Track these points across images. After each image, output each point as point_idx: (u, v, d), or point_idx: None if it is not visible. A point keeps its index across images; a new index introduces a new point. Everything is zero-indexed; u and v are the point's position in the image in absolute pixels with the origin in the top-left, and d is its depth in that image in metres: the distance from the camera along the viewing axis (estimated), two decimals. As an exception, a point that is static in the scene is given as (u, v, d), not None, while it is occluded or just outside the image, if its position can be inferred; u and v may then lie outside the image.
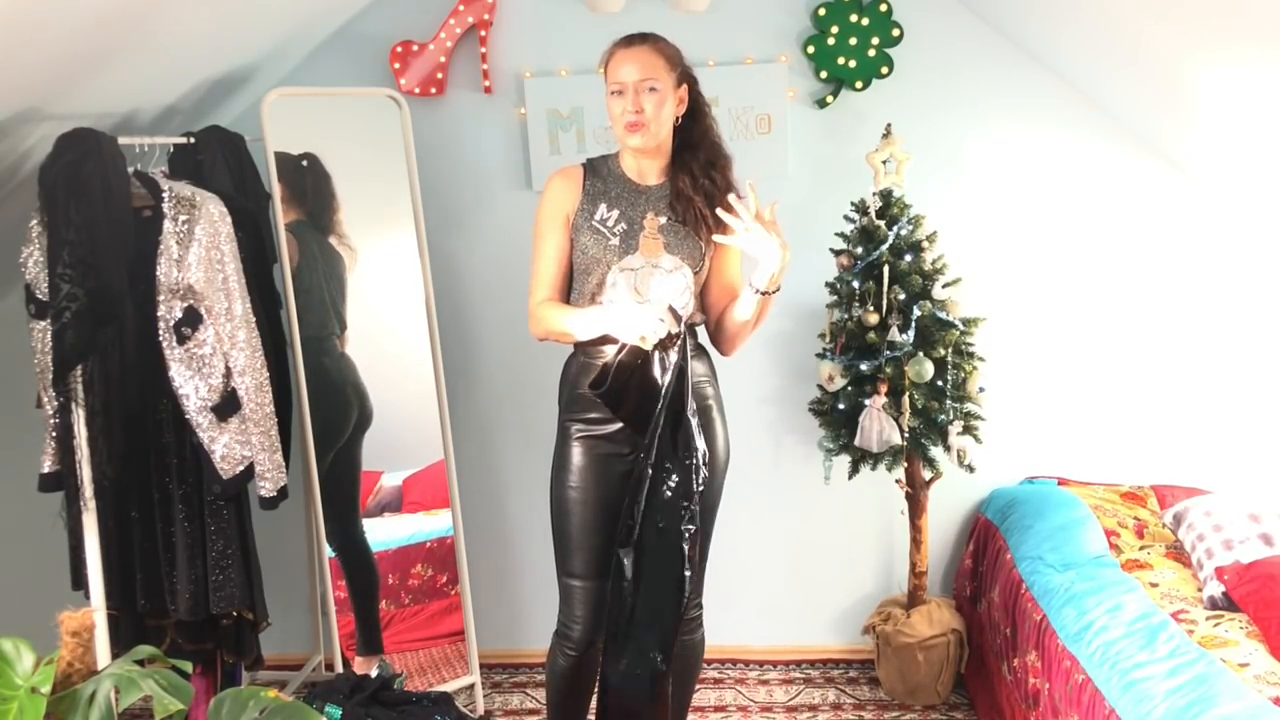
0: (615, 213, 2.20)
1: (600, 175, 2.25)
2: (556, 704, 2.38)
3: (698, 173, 2.19)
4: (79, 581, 2.48)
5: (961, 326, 2.79)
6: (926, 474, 2.95)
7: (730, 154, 2.26)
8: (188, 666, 1.58)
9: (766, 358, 3.21)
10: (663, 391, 2.02)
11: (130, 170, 2.42)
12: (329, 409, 2.88)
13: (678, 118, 2.19)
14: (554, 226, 2.23)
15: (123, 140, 2.44)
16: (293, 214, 2.82)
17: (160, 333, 2.42)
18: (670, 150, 2.23)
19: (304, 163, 2.82)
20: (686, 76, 2.20)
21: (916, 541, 3.02)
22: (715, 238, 2.14)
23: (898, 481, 2.99)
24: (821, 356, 2.92)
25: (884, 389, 2.77)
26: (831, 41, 3.00)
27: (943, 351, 2.76)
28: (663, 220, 2.19)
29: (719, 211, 2.08)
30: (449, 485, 3.03)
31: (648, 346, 2.01)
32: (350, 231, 2.91)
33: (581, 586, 2.23)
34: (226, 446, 2.45)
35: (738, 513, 2.90)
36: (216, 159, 2.68)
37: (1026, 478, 3.24)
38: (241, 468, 2.47)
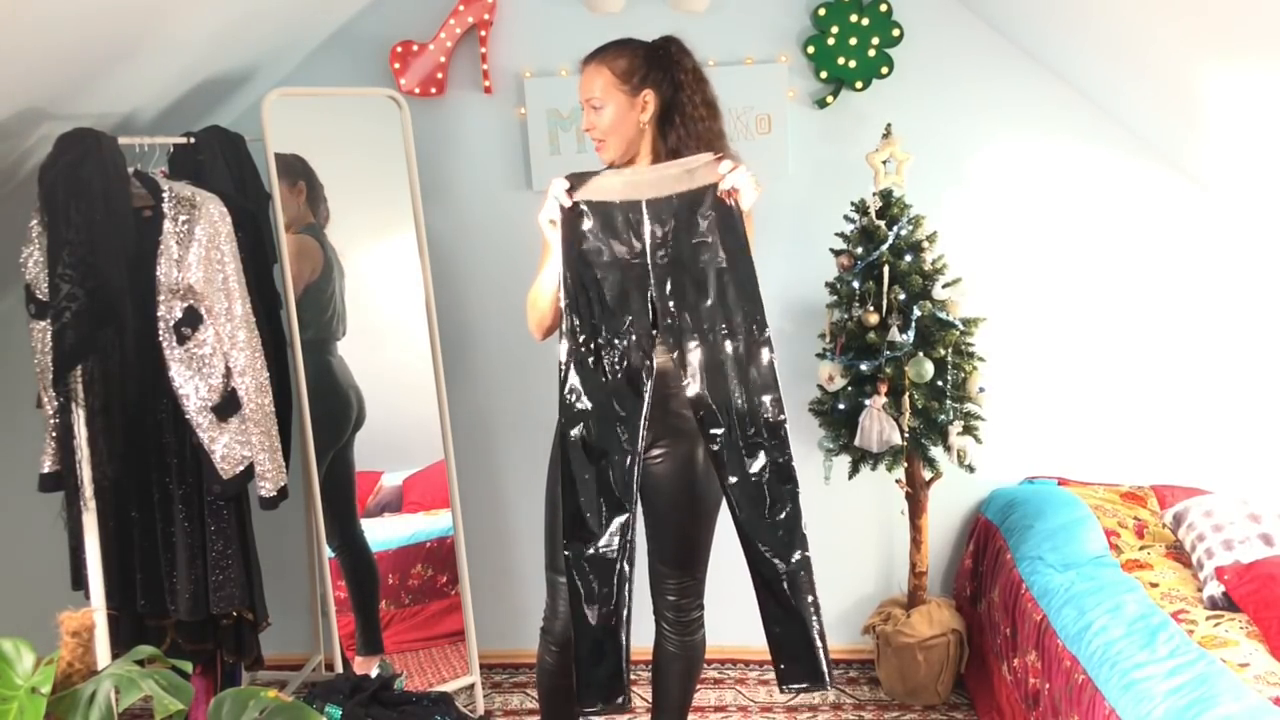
0: None
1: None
2: (544, 700, 2.40)
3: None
4: (79, 581, 2.48)
5: (961, 326, 2.80)
6: (926, 474, 2.95)
7: (714, 135, 2.21)
8: (188, 666, 1.58)
9: (766, 358, 3.21)
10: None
11: (130, 170, 2.42)
12: (332, 409, 2.88)
13: (642, 122, 2.17)
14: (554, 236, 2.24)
15: (123, 140, 2.44)
16: (306, 218, 2.83)
17: (160, 333, 2.42)
18: (658, 145, 2.22)
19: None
20: (650, 81, 2.16)
21: (916, 541, 3.02)
22: None
23: (898, 481, 2.99)
24: (821, 356, 2.92)
25: (884, 389, 2.77)
26: (831, 41, 3.00)
27: (943, 351, 2.76)
28: None
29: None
30: (449, 485, 3.03)
31: (553, 223, 2.03)
32: (344, 226, 2.91)
33: (565, 583, 2.23)
34: (226, 447, 2.45)
35: (738, 513, 2.90)
36: (216, 159, 2.68)
37: (1026, 478, 3.24)
38: (241, 468, 2.47)
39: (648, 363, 2.03)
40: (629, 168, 2.15)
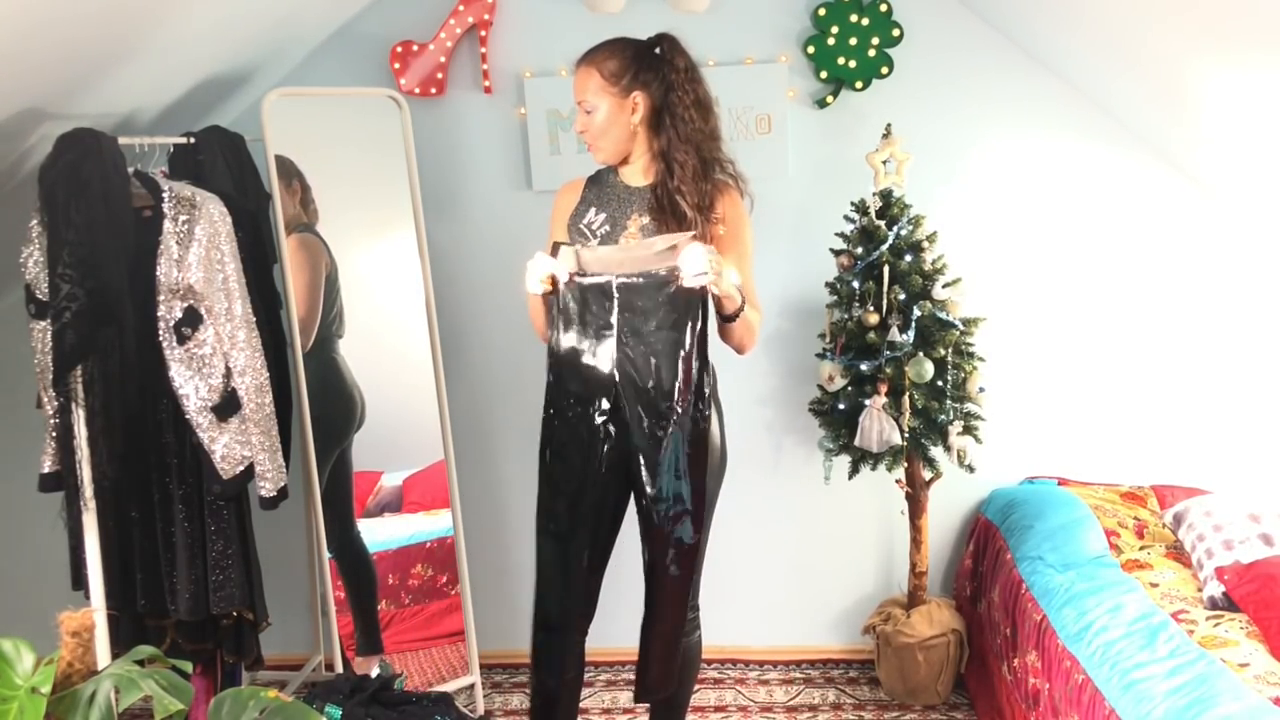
0: (602, 215, 2.24)
1: (599, 182, 2.30)
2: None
3: (656, 176, 2.20)
4: (79, 581, 2.48)
5: (961, 326, 2.80)
6: (926, 474, 2.95)
7: (705, 137, 2.20)
8: (188, 666, 1.58)
9: (766, 358, 3.21)
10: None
11: (130, 170, 2.42)
12: (337, 409, 2.88)
13: (633, 123, 2.18)
14: (558, 234, 2.29)
15: (123, 140, 2.44)
16: (302, 217, 2.83)
17: (160, 333, 2.42)
18: (651, 147, 2.22)
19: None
20: (640, 82, 2.16)
21: (916, 541, 3.02)
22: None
23: (898, 481, 2.99)
24: (821, 356, 2.92)
25: (884, 389, 2.77)
26: (831, 41, 3.00)
27: (943, 351, 2.76)
28: (645, 220, 2.20)
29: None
30: (449, 485, 3.03)
31: (532, 290, 2.12)
32: (344, 226, 2.91)
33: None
34: (226, 447, 2.46)
35: (738, 513, 2.90)
36: (216, 159, 2.68)
37: (1026, 478, 3.24)
38: (241, 468, 2.47)
39: (609, 426, 2.15)
40: (603, 247, 2.17)
